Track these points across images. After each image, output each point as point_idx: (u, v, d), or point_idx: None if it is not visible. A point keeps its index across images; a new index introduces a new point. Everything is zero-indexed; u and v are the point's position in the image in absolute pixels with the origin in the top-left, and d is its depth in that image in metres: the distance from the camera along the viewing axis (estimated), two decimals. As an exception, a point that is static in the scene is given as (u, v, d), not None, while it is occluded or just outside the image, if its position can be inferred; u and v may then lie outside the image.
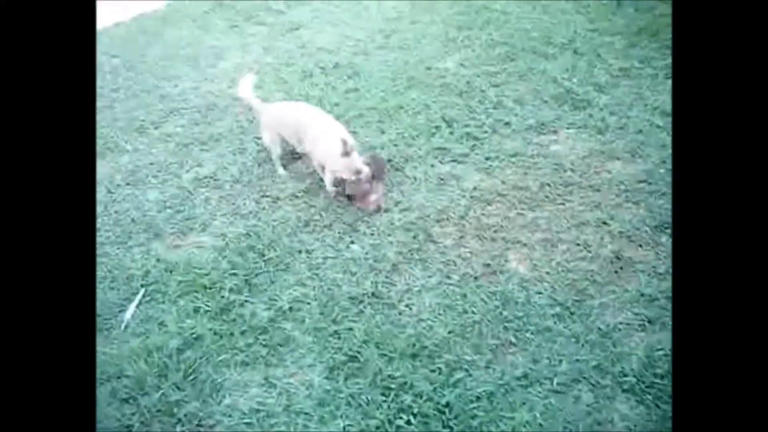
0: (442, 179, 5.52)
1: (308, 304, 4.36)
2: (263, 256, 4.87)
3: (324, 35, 8.85)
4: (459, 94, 6.99)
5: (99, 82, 7.97)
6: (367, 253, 4.81)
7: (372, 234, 5.03)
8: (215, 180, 5.90)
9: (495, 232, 4.88)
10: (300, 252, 4.90)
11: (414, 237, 4.92)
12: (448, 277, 4.50)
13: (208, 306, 4.40)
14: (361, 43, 8.51)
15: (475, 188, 5.37)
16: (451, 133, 6.17)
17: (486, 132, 6.26)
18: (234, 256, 4.87)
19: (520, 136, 6.18)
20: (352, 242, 4.96)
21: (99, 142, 6.66)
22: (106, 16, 9.80)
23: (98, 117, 7.12)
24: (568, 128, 6.22)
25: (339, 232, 5.08)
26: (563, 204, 5.11)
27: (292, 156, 6.23)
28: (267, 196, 5.62)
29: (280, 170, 5.92)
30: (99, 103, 7.41)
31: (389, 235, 4.98)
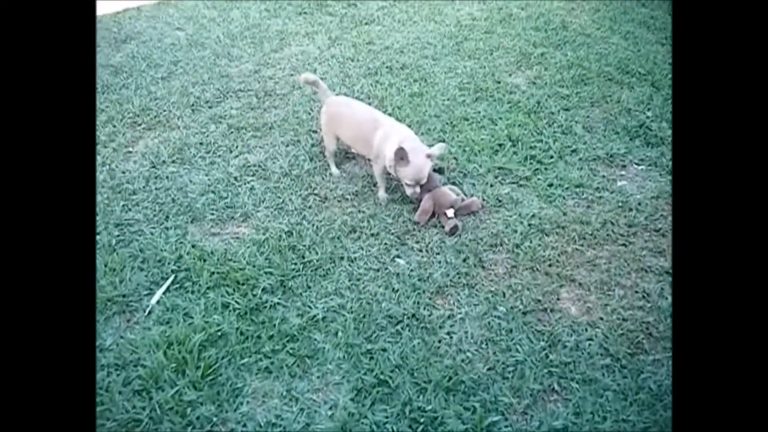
0: (500, 201, 5.20)
1: (343, 316, 4.06)
2: (303, 257, 4.61)
3: (394, 34, 8.45)
4: (527, 113, 6.63)
5: (159, 54, 8.07)
6: (412, 270, 4.49)
7: (420, 250, 4.72)
8: (263, 170, 5.66)
9: (550, 266, 4.53)
10: (342, 259, 4.61)
11: (464, 260, 4.60)
12: (495, 308, 4.16)
13: (238, 303, 4.15)
14: (430, 46, 8.21)
15: (533, 215, 5.02)
16: (515, 153, 5.80)
17: (552, 157, 5.84)
18: (272, 254, 4.62)
19: (586, 165, 5.79)
20: (398, 256, 4.67)
21: (150, 114, 6.56)
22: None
23: (153, 88, 7.10)
24: (638, 164, 5.83)
25: (385, 243, 4.79)
26: (625, 245, 4.72)
27: (346, 156, 6.02)
28: (315, 194, 5.37)
29: (334, 168, 5.64)
30: (157, 74, 7.53)
31: (438, 253, 4.67)
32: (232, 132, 6.28)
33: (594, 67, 7.50)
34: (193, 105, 6.76)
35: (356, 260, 4.59)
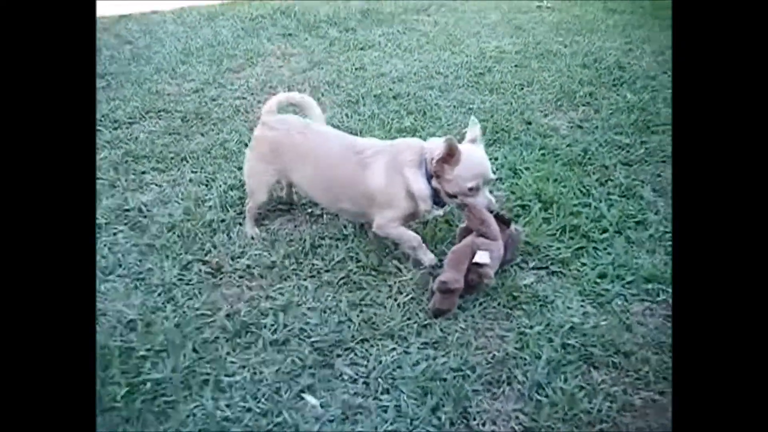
0: (515, 298, 3.21)
1: None
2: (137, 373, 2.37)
3: (393, 60, 6.89)
4: (568, 165, 4.52)
5: (99, 67, 6.74)
6: (329, 419, 2.57)
7: (353, 380, 2.76)
8: (143, 217, 3.99)
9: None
10: (204, 385, 2.72)
11: (432, 410, 2.58)
12: None
13: None
14: (439, 76, 6.35)
15: (572, 329, 3.03)
16: (547, 221, 3.85)
17: (605, 231, 3.78)
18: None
19: (662, 248, 3.63)
20: (304, 390, 2.71)
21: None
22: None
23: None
24: None
25: (294, 362, 2.85)
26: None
27: (280, 207, 4.02)
28: (204, 263, 3.55)
29: (250, 227, 3.79)
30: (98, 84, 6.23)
31: (386, 390, 2.69)
32: (126, 161, 4.71)
33: (664, 114, 5.33)
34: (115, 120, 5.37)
35: (229, 389, 2.70)
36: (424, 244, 3.36)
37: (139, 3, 9.20)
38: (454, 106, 5.52)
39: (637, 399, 2.64)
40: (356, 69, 6.52)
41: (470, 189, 3.09)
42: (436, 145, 3.13)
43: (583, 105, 5.59)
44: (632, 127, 5.14)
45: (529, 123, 5.20)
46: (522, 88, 5.97)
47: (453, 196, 3.17)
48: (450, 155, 3.05)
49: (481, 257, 2.97)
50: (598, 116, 5.35)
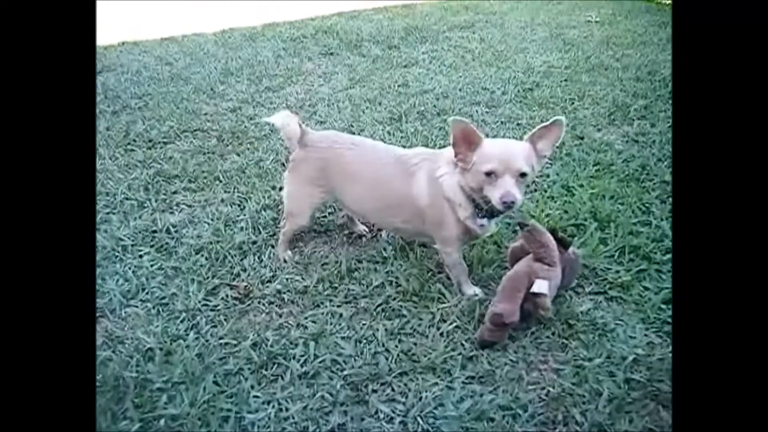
0: (571, 326, 2.90)
1: None
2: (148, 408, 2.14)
3: (438, 77, 6.62)
4: (625, 181, 4.19)
5: (126, 86, 6.79)
6: None
7: None
8: (171, 238, 3.77)
9: None
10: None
11: None
12: None
13: None
14: (485, 92, 6.06)
15: (636, 362, 2.70)
16: (605, 241, 3.53)
17: (669, 251, 3.41)
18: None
19: None
20: None
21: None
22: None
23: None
24: None
25: (318, 406, 2.54)
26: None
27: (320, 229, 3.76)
28: (232, 287, 3.28)
29: (282, 250, 3.53)
30: (109, 107, 6.15)
31: None
32: (158, 180, 4.50)
33: (727, 128, 4.85)
34: (129, 143, 5.18)
35: (251, 427, 2.44)
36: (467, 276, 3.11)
37: (183, 25, 9.18)
38: (502, 122, 5.23)
39: (715, 444, 2.32)
40: (399, 86, 6.29)
41: (487, 174, 2.63)
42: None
43: (638, 119, 5.26)
44: (693, 141, 4.79)
45: (581, 138, 4.89)
46: (572, 103, 5.67)
47: (478, 192, 2.76)
48: (465, 137, 2.70)
49: (540, 287, 2.67)
50: (655, 130, 5.01)
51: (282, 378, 2.62)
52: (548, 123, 2.69)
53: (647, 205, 3.85)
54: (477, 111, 5.49)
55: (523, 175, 2.65)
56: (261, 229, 3.68)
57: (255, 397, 2.53)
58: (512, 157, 2.64)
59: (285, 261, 3.41)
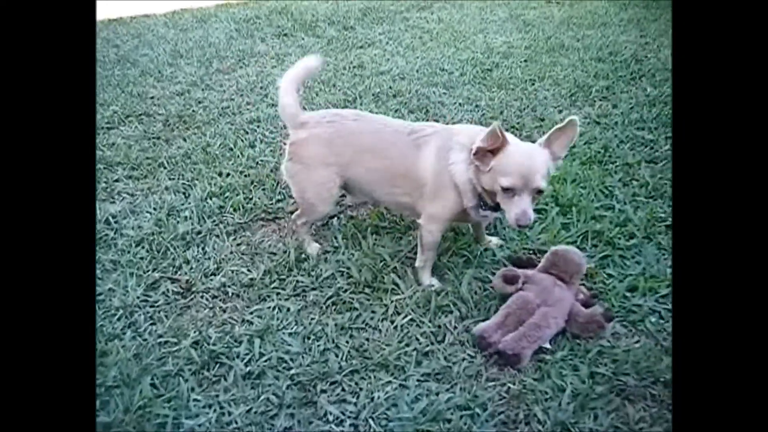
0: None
1: None
2: None
3: (395, 58, 6.42)
4: (587, 164, 4.06)
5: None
6: None
7: None
8: (110, 229, 3.54)
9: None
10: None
11: None
12: None
13: None
14: (443, 73, 5.89)
15: (597, 361, 2.57)
16: (566, 227, 3.40)
17: (632, 236, 3.33)
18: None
19: None
20: None
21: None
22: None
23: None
24: None
25: None
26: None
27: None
28: (173, 281, 3.08)
29: (312, 246, 3.32)
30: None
31: None
32: (98, 168, 4.26)
33: (690, 108, 4.75)
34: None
35: None
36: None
37: (132, 6, 8.87)
38: (460, 104, 5.07)
39: (685, 441, 2.19)
40: (354, 67, 6.09)
41: (504, 189, 2.50)
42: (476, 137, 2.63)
43: (600, 100, 5.14)
44: (655, 121, 4.69)
45: (542, 119, 4.75)
46: (533, 84, 5.53)
47: (490, 194, 2.63)
48: (493, 142, 2.51)
49: (547, 341, 2.58)
50: (617, 111, 4.89)
51: (225, 379, 2.45)
52: (562, 124, 2.52)
53: (610, 188, 3.73)
54: (434, 92, 5.31)
55: (540, 192, 2.53)
56: (206, 218, 3.48)
57: (195, 400, 2.35)
58: (533, 172, 2.48)
59: (318, 255, 3.19)
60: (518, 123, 4.65)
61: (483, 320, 2.66)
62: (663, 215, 3.45)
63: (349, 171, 3.00)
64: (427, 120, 4.65)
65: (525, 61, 6.16)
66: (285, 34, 7.38)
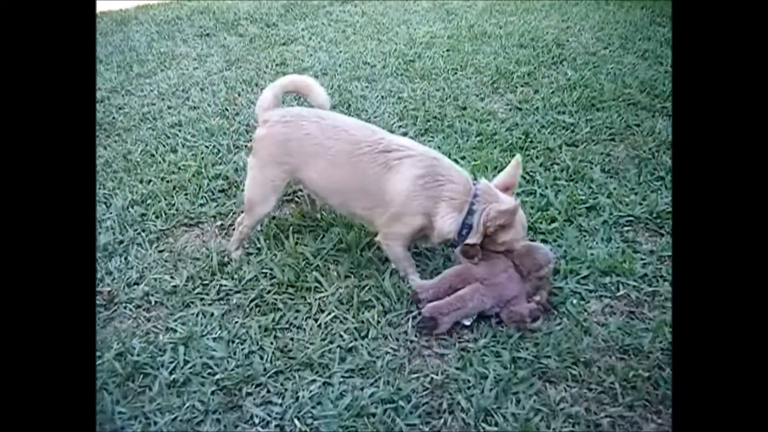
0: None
1: None
2: None
3: (318, 54, 6.37)
4: (508, 150, 4.10)
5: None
6: None
7: None
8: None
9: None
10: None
11: None
12: None
13: None
14: (366, 66, 5.90)
15: (516, 348, 2.65)
16: None
17: (553, 220, 3.42)
18: None
19: (617, 234, 3.31)
20: None
21: None
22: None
23: None
24: None
25: None
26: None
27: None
28: (99, 294, 2.77)
29: (235, 250, 3.28)
30: None
31: None
32: None
33: (608, 89, 5.00)
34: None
35: None
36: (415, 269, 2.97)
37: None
38: (382, 96, 5.08)
39: (604, 418, 2.24)
40: (277, 65, 6.03)
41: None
42: (490, 199, 2.69)
43: (522, 86, 5.22)
44: (576, 105, 4.79)
45: (464, 108, 4.80)
46: (455, 73, 5.57)
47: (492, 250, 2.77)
48: (508, 219, 2.64)
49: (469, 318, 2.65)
50: (539, 96, 4.98)
51: (150, 389, 2.42)
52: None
53: (531, 173, 3.79)
54: (357, 86, 5.31)
55: None
56: (128, 227, 3.42)
57: (120, 413, 2.32)
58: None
59: (236, 261, 3.14)
60: (440, 113, 4.67)
61: (406, 313, 2.69)
62: (583, 197, 3.52)
63: (300, 173, 2.99)
64: (350, 114, 4.65)
65: (447, 50, 6.20)
66: (207, 34, 7.24)
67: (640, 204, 3.47)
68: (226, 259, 3.12)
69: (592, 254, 3.06)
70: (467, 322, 2.61)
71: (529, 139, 4.22)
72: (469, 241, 2.65)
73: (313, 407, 2.29)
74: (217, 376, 2.43)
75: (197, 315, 2.77)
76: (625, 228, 3.32)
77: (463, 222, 2.68)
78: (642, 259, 3.07)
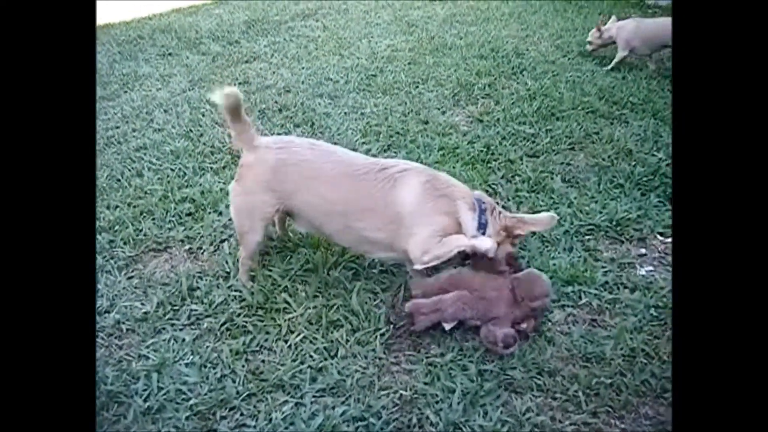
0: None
1: None
2: None
3: (281, 71, 6.42)
4: (470, 163, 4.22)
5: None
6: None
7: None
8: None
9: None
10: None
11: None
12: None
13: None
14: (329, 83, 5.94)
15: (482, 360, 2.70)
16: None
17: None
18: None
19: (578, 243, 3.42)
20: None
21: None
22: None
23: None
24: (664, 234, 3.51)
25: None
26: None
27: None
28: None
29: (245, 276, 3.19)
30: None
31: None
32: None
33: (567, 98, 5.11)
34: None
35: None
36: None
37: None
38: (345, 113, 5.13)
39: (569, 426, 2.32)
40: (240, 83, 6.06)
41: None
42: (489, 200, 2.93)
43: (483, 97, 5.32)
44: (536, 115, 4.89)
45: (426, 122, 4.88)
46: (417, 86, 5.66)
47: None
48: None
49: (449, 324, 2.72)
50: (499, 107, 5.08)
51: (124, 417, 2.44)
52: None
53: (493, 185, 3.88)
54: (320, 103, 5.37)
55: None
56: (97, 255, 3.42)
57: (94, 443, 2.35)
58: None
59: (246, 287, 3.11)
60: (402, 128, 4.74)
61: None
62: (545, 207, 3.60)
63: (293, 199, 2.95)
64: (313, 133, 4.70)
65: (409, 63, 6.29)
66: (170, 54, 7.26)
67: (600, 212, 3.56)
68: (195, 283, 3.15)
69: (554, 264, 3.14)
70: (447, 327, 2.67)
71: (491, 152, 4.30)
72: (488, 245, 2.75)
73: (286, 428, 2.34)
74: (191, 402, 2.46)
75: (169, 341, 2.79)
76: (586, 237, 3.41)
77: (479, 219, 2.79)
78: (603, 267, 3.16)
